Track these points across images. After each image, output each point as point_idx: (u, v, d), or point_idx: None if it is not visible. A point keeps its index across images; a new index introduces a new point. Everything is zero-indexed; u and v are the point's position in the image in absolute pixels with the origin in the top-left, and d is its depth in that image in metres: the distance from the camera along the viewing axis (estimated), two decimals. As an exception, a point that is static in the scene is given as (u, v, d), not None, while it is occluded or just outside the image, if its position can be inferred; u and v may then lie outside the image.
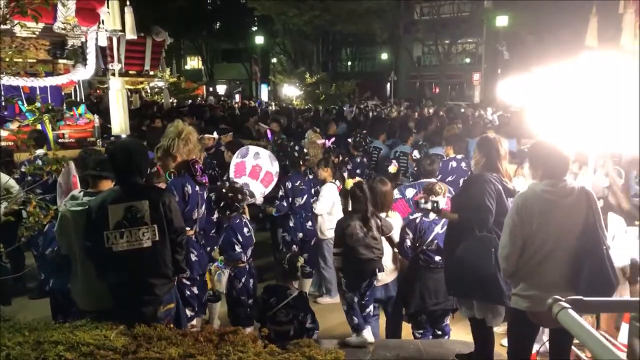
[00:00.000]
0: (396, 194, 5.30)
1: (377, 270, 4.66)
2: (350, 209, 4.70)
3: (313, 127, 9.80)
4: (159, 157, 4.53)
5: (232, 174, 5.64)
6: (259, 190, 5.52)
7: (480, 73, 32.68)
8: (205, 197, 4.65)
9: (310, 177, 6.23)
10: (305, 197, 6.09)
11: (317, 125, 11.04)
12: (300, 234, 6.14)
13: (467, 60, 37.64)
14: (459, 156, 6.75)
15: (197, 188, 4.40)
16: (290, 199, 6.00)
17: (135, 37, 9.07)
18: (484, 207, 3.73)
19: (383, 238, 4.75)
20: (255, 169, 5.71)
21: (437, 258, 4.51)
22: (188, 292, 4.34)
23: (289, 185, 6.02)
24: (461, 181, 6.41)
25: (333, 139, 8.20)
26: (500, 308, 3.93)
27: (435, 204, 4.12)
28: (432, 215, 4.49)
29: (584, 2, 8.35)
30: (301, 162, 6.21)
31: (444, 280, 4.16)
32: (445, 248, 4.17)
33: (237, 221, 4.88)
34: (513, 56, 27.24)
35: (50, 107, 7.10)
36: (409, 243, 4.60)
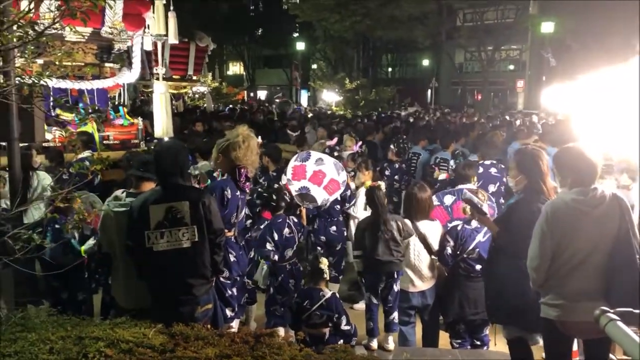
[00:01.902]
0: (434, 201, 5.23)
1: (395, 273, 4.72)
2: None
3: (349, 132, 9.80)
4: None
5: (289, 176, 5.62)
6: (321, 196, 5.46)
7: (524, 80, 32.06)
8: (245, 202, 4.66)
9: None
10: (329, 202, 6.05)
11: (354, 130, 11.07)
12: (323, 238, 6.11)
13: (511, 67, 36.99)
14: (487, 162, 6.57)
15: (238, 193, 4.41)
16: None
17: (177, 41, 9.25)
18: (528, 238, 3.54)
19: (420, 245, 4.72)
20: (317, 175, 5.55)
21: (478, 267, 4.43)
22: (229, 293, 4.36)
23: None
24: (490, 187, 6.23)
25: (360, 143, 8.16)
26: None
27: (480, 205, 3.99)
28: (474, 223, 4.41)
29: (634, 9, 8.10)
30: None
31: (485, 308, 4.06)
32: (487, 272, 4.06)
33: (279, 220, 4.94)
34: (558, 63, 26.65)
35: (96, 108, 7.31)
36: (449, 251, 4.54)
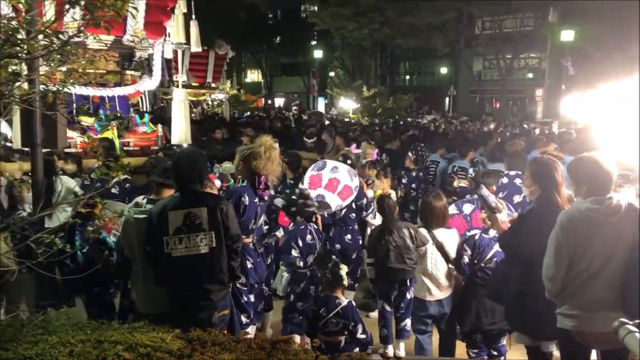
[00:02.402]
0: (453, 209, 5.21)
1: (408, 280, 4.76)
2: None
3: (368, 140, 9.80)
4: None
5: (306, 185, 5.70)
6: (335, 203, 5.55)
7: (543, 88, 31.79)
8: (264, 209, 4.69)
9: None
10: (345, 210, 6.08)
11: (372, 137, 11.07)
12: (338, 246, 6.12)
13: (530, 75, 36.72)
14: (512, 172, 6.51)
15: (257, 200, 4.44)
16: None
17: (200, 49, 9.36)
18: (532, 241, 3.53)
19: (438, 253, 4.71)
20: (332, 182, 5.70)
21: (495, 276, 4.40)
22: (245, 299, 4.39)
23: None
24: (515, 198, 6.18)
25: (377, 151, 8.16)
26: None
27: (494, 204, 4.01)
28: (492, 232, 4.39)
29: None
30: None
31: (504, 314, 4.05)
32: (503, 280, 4.04)
33: (302, 227, 4.99)
34: (578, 72, 26.38)
35: (117, 115, 7.42)
36: (466, 260, 4.51)
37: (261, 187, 4.38)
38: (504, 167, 6.80)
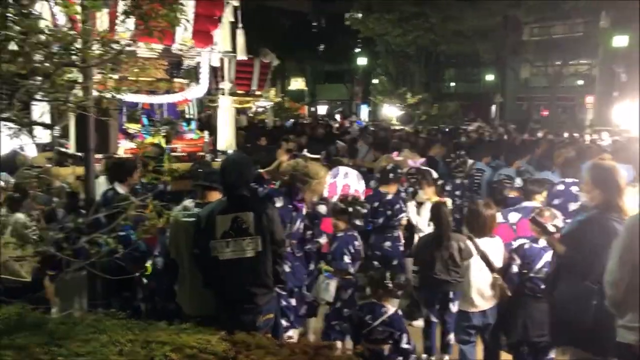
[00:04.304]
0: (499, 218, 5.11)
1: (451, 293, 4.70)
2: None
3: (409, 147, 9.71)
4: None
5: (326, 194, 5.78)
6: None
7: (593, 96, 30.87)
8: (301, 218, 4.74)
9: (389, 197, 6.15)
10: (382, 219, 6.04)
11: (416, 145, 10.97)
12: (379, 253, 6.07)
13: (580, 82, 35.70)
14: (569, 180, 6.35)
15: (290, 206, 4.50)
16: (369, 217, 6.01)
17: (245, 58, 9.51)
18: (598, 256, 3.40)
19: (482, 262, 4.62)
20: (345, 188, 5.95)
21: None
22: (284, 303, 4.43)
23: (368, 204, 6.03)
24: (570, 205, 6.01)
25: (423, 160, 8.09)
26: None
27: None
28: (542, 242, 4.28)
29: None
30: (393, 182, 6.21)
31: (549, 328, 3.94)
32: (549, 292, 3.93)
33: (350, 233, 5.02)
34: (631, 78, 25.49)
35: (170, 120, 7.60)
36: (515, 269, 4.40)
37: (297, 198, 4.48)
38: (555, 175, 6.65)
